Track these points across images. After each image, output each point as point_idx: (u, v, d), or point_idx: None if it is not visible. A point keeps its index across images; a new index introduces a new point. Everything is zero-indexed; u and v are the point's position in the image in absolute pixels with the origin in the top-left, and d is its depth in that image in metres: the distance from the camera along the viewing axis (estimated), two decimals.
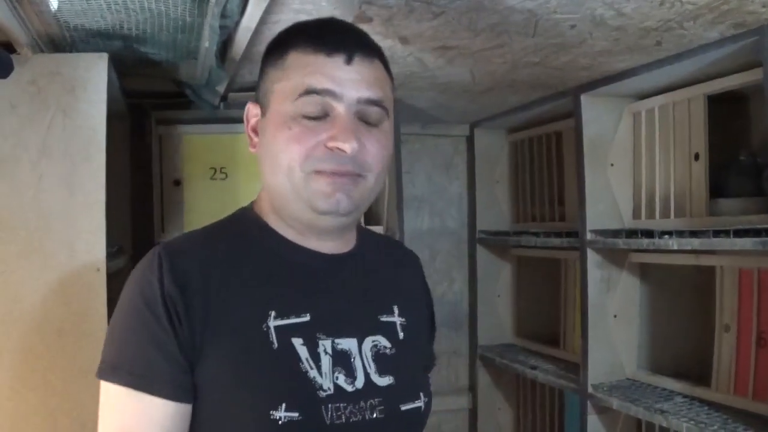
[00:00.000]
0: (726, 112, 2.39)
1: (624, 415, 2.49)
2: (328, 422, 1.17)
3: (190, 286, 1.18)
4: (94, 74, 1.88)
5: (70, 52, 1.94)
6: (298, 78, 1.21)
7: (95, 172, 1.86)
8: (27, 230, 1.82)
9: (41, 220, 1.83)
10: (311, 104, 1.20)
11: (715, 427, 2.02)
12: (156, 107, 2.73)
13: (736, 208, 2.20)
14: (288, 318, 1.21)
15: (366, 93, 1.22)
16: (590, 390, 2.55)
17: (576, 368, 2.68)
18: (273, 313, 1.20)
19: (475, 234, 3.53)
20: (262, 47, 1.97)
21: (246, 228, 1.32)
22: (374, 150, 1.23)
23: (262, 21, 1.70)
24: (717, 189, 2.29)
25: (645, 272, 2.66)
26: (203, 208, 2.88)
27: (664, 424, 2.18)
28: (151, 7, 1.64)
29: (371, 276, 1.38)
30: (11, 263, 1.81)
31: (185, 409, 1.16)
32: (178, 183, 2.87)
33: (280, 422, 1.13)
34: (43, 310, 1.81)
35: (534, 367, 2.96)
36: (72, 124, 1.86)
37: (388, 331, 1.32)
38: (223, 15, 1.64)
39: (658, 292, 2.66)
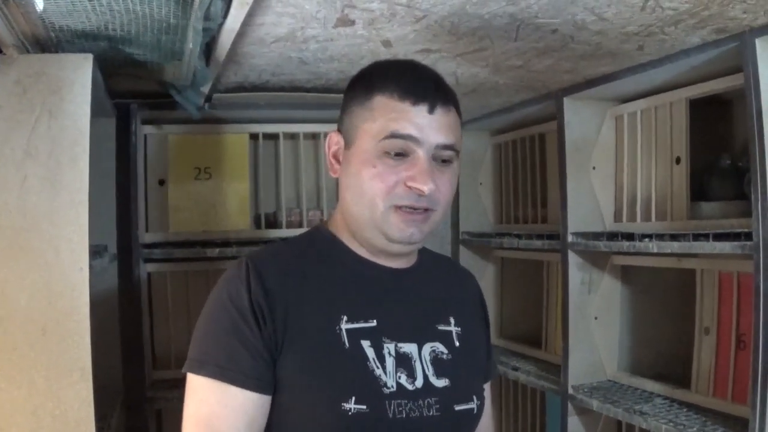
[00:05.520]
0: (709, 116, 2.41)
1: (604, 416, 2.51)
2: (390, 416, 1.32)
3: (273, 291, 1.34)
4: (79, 75, 1.87)
5: (56, 52, 1.93)
6: (384, 121, 1.35)
7: (80, 172, 1.86)
8: (12, 230, 1.81)
9: (26, 219, 1.82)
10: (394, 146, 1.34)
11: (695, 429, 2.04)
12: (141, 107, 2.74)
13: (718, 212, 2.22)
14: (357, 322, 1.37)
15: (443, 139, 1.37)
16: (571, 391, 2.56)
17: (557, 369, 2.69)
18: (345, 318, 1.36)
19: (458, 235, 3.55)
20: (246, 49, 1.98)
21: (321, 244, 1.48)
22: (444, 188, 1.39)
23: (246, 23, 1.71)
24: (699, 192, 2.31)
25: (626, 274, 2.68)
26: (187, 207, 2.89)
27: (644, 426, 2.20)
28: (135, 9, 1.64)
29: (430, 289, 1.53)
30: None
31: (265, 400, 1.31)
32: (162, 183, 2.88)
33: (350, 413, 1.29)
34: (28, 308, 1.81)
35: (516, 368, 2.98)
36: (57, 124, 1.85)
37: (445, 338, 1.47)
38: (207, 17, 1.65)
39: (639, 294, 2.68)
